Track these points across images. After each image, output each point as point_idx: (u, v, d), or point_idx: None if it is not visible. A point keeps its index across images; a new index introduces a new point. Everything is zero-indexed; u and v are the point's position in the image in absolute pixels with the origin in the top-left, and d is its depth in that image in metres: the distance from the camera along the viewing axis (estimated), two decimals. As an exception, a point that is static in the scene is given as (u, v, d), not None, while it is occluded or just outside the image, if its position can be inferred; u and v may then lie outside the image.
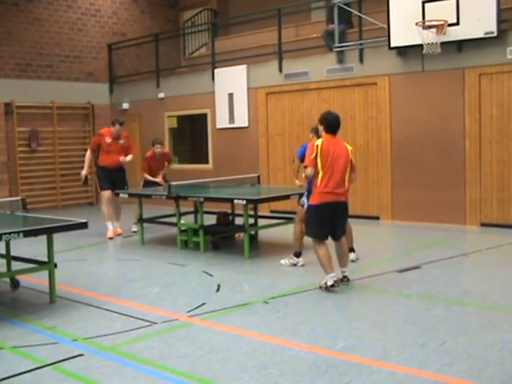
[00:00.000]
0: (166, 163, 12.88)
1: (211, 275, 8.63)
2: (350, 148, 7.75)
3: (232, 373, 5.08)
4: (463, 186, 12.07)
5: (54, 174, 17.25)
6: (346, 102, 13.58)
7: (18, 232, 6.71)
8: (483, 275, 8.39)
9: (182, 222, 11.08)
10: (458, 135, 12.09)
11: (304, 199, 8.62)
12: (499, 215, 11.78)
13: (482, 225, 11.92)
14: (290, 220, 10.37)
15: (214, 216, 11.43)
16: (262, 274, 8.36)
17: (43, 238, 7.33)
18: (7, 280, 8.18)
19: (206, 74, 16.08)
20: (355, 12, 13.29)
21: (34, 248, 9.19)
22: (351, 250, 9.11)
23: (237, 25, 18.21)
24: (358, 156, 13.40)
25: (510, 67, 11.42)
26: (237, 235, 11.38)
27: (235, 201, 9.82)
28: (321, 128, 7.76)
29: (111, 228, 11.97)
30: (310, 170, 7.45)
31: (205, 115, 16.29)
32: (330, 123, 7.63)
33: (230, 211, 11.38)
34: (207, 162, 16.38)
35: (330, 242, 7.76)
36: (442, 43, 11.52)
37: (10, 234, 6.63)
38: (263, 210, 12.65)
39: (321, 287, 7.57)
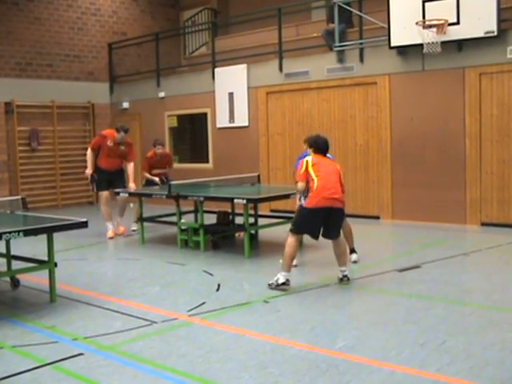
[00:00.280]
0: (167, 166, 12.83)
1: (211, 274, 8.63)
2: (339, 168, 7.85)
3: (232, 372, 5.08)
4: (463, 185, 12.06)
5: (54, 173, 17.25)
6: (346, 102, 13.58)
7: (19, 231, 6.70)
8: (483, 275, 8.39)
9: (182, 221, 11.08)
10: (458, 135, 12.08)
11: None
12: (499, 215, 11.78)
13: (483, 224, 11.92)
14: (290, 219, 10.33)
15: (214, 215, 11.42)
16: (262, 274, 8.36)
17: (43, 237, 7.32)
18: (7, 279, 8.18)
19: (207, 73, 16.08)
20: (355, 11, 13.28)
21: (34, 247, 9.20)
22: (352, 250, 9.12)
23: (237, 24, 18.21)
24: (359, 156, 13.44)
25: (511, 66, 11.41)
26: (237, 234, 11.38)
27: (235, 200, 9.82)
28: (309, 150, 7.94)
29: (111, 228, 11.96)
30: (300, 185, 7.64)
31: (205, 114, 16.28)
32: (320, 147, 7.90)
33: (230, 210, 11.37)
34: (207, 162, 16.37)
35: (327, 243, 7.77)
36: (443, 42, 11.52)
37: (10, 233, 6.63)
38: (263, 209, 12.64)
39: (270, 285, 7.62)
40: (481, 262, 9.20)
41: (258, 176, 12.15)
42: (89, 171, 11.95)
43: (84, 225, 7.43)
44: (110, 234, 11.91)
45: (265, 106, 14.92)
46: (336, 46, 13.31)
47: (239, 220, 10.89)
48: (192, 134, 18.14)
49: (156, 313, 6.83)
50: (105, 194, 12.01)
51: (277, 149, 14.81)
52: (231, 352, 5.56)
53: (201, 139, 16.86)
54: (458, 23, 11.42)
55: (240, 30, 17.42)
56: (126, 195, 11.61)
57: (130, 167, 12.03)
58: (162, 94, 17.17)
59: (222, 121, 15.77)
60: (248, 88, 15.17)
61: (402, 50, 12.51)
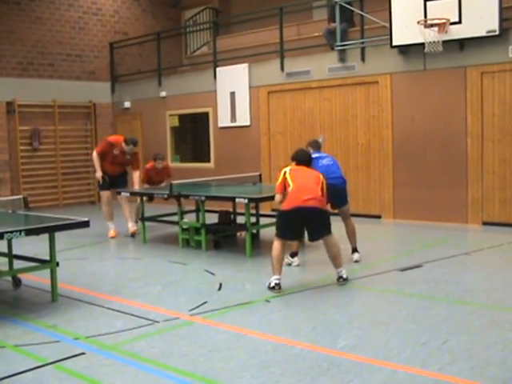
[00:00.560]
0: (166, 178, 12.77)
1: (213, 274, 8.63)
2: (322, 177, 7.80)
3: (233, 371, 5.08)
4: (465, 184, 12.06)
5: (56, 172, 17.25)
6: (348, 101, 13.58)
7: (20, 231, 6.71)
8: (485, 274, 8.38)
9: (184, 220, 11.08)
10: (459, 134, 12.07)
11: None
12: (501, 214, 11.77)
13: (484, 223, 11.91)
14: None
15: (216, 215, 11.42)
16: (263, 273, 8.35)
17: (45, 236, 7.34)
18: (9, 278, 8.18)
19: (208, 72, 16.08)
20: (357, 10, 13.28)
21: (36, 246, 9.20)
22: (355, 250, 9.15)
23: (238, 23, 18.22)
24: (360, 155, 13.44)
25: (512, 66, 11.42)
26: (238, 234, 11.38)
27: (237, 199, 9.82)
28: (293, 163, 8.02)
29: (112, 227, 11.95)
30: (277, 197, 7.75)
31: (206, 114, 16.28)
32: (300, 158, 8.03)
33: (231, 210, 11.37)
34: (209, 161, 16.38)
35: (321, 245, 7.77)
36: (444, 42, 11.50)
37: (11, 232, 6.63)
38: (265, 208, 12.63)
39: (268, 286, 7.64)
40: (482, 262, 9.20)
41: (260, 175, 12.14)
42: (99, 174, 11.84)
43: (85, 224, 7.43)
44: (111, 233, 11.91)
45: (266, 105, 14.92)
46: (337, 46, 13.30)
47: (241, 219, 10.89)
48: (193, 134, 18.16)
49: (158, 312, 6.83)
50: (106, 193, 12.00)
51: (278, 148, 14.81)
52: (233, 351, 5.57)
53: (202, 139, 16.86)
54: (459, 22, 11.41)
55: (241, 30, 17.42)
56: (127, 195, 11.60)
57: (136, 175, 12.04)
58: (163, 94, 17.17)
59: (224, 120, 15.77)
60: (249, 87, 15.17)
61: (404, 50, 12.50)
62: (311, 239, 8.00)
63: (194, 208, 11.58)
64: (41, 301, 7.53)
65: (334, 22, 13.40)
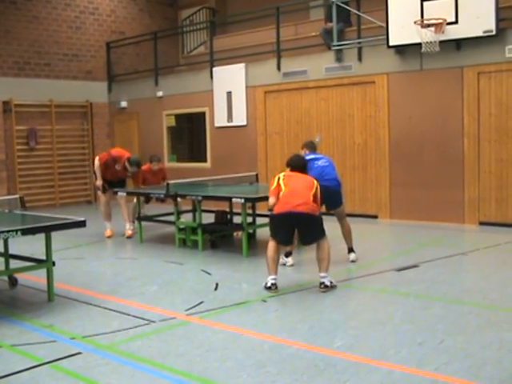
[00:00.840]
0: (162, 180, 12.75)
1: (209, 274, 8.63)
2: (315, 182, 7.76)
3: (230, 371, 5.08)
4: (462, 184, 12.07)
5: (53, 172, 17.24)
6: (345, 101, 13.58)
7: (16, 230, 6.70)
8: (482, 274, 8.39)
9: (181, 220, 11.07)
10: (456, 134, 12.08)
11: None
12: (498, 214, 11.78)
13: (481, 223, 11.92)
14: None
15: (213, 214, 11.41)
16: (260, 273, 8.34)
17: (41, 236, 7.33)
18: (5, 278, 8.17)
19: (205, 72, 16.07)
20: (354, 10, 13.28)
21: (32, 246, 9.19)
22: (351, 250, 9.15)
23: (235, 23, 18.19)
24: (357, 155, 13.44)
25: (509, 66, 11.41)
26: (235, 234, 11.38)
27: (233, 199, 9.82)
28: (287, 169, 8.07)
29: (109, 227, 11.95)
30: (271, 200, 7.76)
31: (203, 114, 16.27)
32: (294, 164, 8.07)
33: (228, 210, 11.37)
34: (205, 161, 16.37)
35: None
36: (441, 42, 11.51)
37: (8, 232, 6.63)
38: (261, 208, 12.62)
39: (264, 286, 7.64)
40: (479, 262, 9.21)
41: (256, 175, 12.14)
42: (99, 182, 11.84)
43: (82, 224, 7.43)
44: (108, 233, 11.91)
45: (263, 105, 14.91)
46: (334, 45, 13.30)
47: (237, 219, 10.88)
48: (190, 134, 18.14)
49: (154, 312, 6.83)
50: (105, 193, 11.98)
51: (275, 148, 14.81)
52: (229, 351, 5.56)
53: (199, 138, 16.86)
54: (456, 22, 11.42)
55: (238, 29, 17.40)
56: (124, 194, 11.60)
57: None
58: (160, 93, 17.15)
59: (220, 120, 15.76)
60: (246, 87, 15.17)
61: (401, 50, 12.51)
62: (303, 243, 8.05)
63: (190, 208, 11.57)
64: (37, 300, 7.52)
65: (331, 21, 13.39)
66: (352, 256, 9.09)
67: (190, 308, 6.93)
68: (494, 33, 11.19)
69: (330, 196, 8.56)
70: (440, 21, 11.41)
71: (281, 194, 7.62)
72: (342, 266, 8.75)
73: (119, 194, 11.61)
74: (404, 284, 7.87)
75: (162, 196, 10.94)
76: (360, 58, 13.19)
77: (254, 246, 10.60)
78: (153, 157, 12.87)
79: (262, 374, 4.99)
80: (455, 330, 6.02)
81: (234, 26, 18.30)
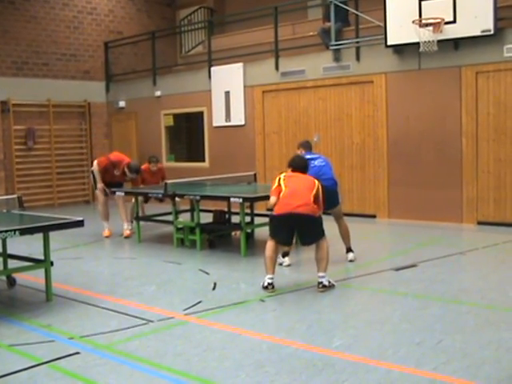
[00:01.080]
0: (160, 180, 12.73)
1: (207, 273, 8.63)
2: (317, 183, 7.74)
3: (228, 371, 5.08)
4: (460, 184, 12.07)
5: (51, 172, 17.22)
6: (343, 100, 13.58)
7: (15, 230, 6.69)
8: (480, 273, 8.40)
9: (179, 219, 11.07)
10: (454, 133, 12.09)
11: None
12: (496, 213, 11.79)
13: (479, 223, 11.93)
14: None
15: (211, 214, 11.41)
16: (258, 273, 8.34)
17: (39, 236, 7.32)
18: (3, 278, 8.17)
19: (203, 72, 16.07)
20: (352, 10, 13.27)
21: (31, 246, 9.19)
22: (349, 250, 9.15)
23: (233, 23, 18.21)
24: (355, 154, 13.45)
25: (507, 65, 11.42)
26: (233, 233, 11.37)
27: (232, 199, 9.80)
28: (289, 169, 8.01)
29: (107, 227, 11.94)
30: (272, 199, 7.72)
31: (201, 113, 16.27)
32: (296, 165, 8.00)
33: (226, 209, 11.36)
34: (203, 160, 16.36)
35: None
36: (439, 41, 11.51)
37: (6, 232, 6.62)
38: (260, 208, 12.62)
39: (261, 286, 7.64)
40: (477, 261, 9.22)
41: (255, 175, 12.14)
42: (100, 185, 11.83)
43: (80, 224, 7.42)
44: (106, 232, 11.90)
45: (261, 104, 14.91)
46: (332, 45, 13.30)
47: (235, 219, 10.88)
48: (188, 133, 18.14)
49: (152, 312, 6.82)
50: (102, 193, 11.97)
51: (273, 147, 14.81)
52: (227, 351, 5.56)
53: (197, 138, 16.85)
54: (454, 22, 11.43)
55: (236, 29, 17.41)
56: (122, 194, 11.59)
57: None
58: (158, 93, 17.15)
59: (219, 120, 15.76)
60: (244, 87, 15.16)
61: (399, 49, 12.51)
62: (303, 244, 8.03)
63: (188, 207, 11.56)
64: (35, 300, 7.51)
65: (329, 21, 13.40)
66: (350, 256, 9.10)
67: (188, 308, 6.92)
68: (492, 32, 11.20)
69: (327, 196, 8.54)
70: (438, 20, 11.42)
71: (281, 194, 7.61)
72: (341, 266, 8.75)
73: (117, 193, 11.60)
74: (402, 284, 7.88)
75: (161, 196, 10.93)
76: (358, 58, 13.19)
77: (252, 245, 10.60)
78: (151, 157, 12.88)
79: (261, 374, 4.99)
80: (453, 329, 6.02)
81: (232, 25, 18.32)
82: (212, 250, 10.38)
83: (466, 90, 11.89)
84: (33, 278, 8.14)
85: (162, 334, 6.11)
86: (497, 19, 11.19)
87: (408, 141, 12.69)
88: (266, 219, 11.14)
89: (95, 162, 12.14)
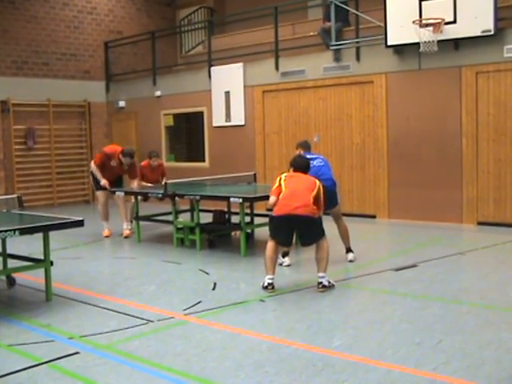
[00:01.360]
0: (160, 177, 12.70)
1: (207, 273, 8.62)
2: (318, 183, 7.72)
3: (228, 371, 5.07)
4: (460, 184, 12.07)
5: (51, 171, 17.23)
6: (343, 101, 13.58)
7: (14, 230, 6.69)
8: (480, 274, 8.39)
9: (179, 219, 11.06)
10: (454, 134, 12.08)
11: None
12: (496, 214, 11.78)
13: (479, 223, 11.92)
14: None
15: (211, 214, 11.40)
16: (258, 273, 8.34)
17: (39, 235, 7.32)
18: (3, 278, 8.16)
19: (203, 72, 16.07)
20: (352, 10, 13.27)
21: (30, 246, 9.19)
22: (349, 250, 9.15)
23: (233, 23, 18.21)
24: (355, 154, 13.44)
25: (507, 66, 11.42)
26: (233, 233, 11.37)
27: (231, 199, 9.80)
28: (291, 169, 8.00)
29: (107, 226, 11.93)
30: (272, 199, 7.71)
31: (201, 113, 16.27)
32: (297, 165, 7.97)
33: (226, 209, 11.36)
34: (203, 160, 16.36)
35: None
36: (439, 41, 11.51)
37: (6, 231, 6.61)
38: (259, 208, 12.62)
39: (261, 286, 7.63)
40: (477, 261, 9.22)
41: (254, 175, 12.13)
42: (104, 181, 11.73)
43: (80, 224, 7.42)
44: (105, 232, 11.89)
45: (261, 104, 14.91)
46: (332, 45, 13.30)
47: (235, 219, 10.88)
48: (188, 133, 18.14)
49: (152, 312, 6.82)
50: (102, 193, 11.93)
51: (273, 148, 14.81)
52: (227, 351, 5.56)
53: (197, 138, 16.85)
54: (454, 22, 11.42)
55: (236, 29, 17.41)
56: (122, 194, 11.58)
57: (133, 184, 11.97)
58: (158, 93, 17.15)
59: (219, 119, 15.76)
60: (244, 87, 15.16)
61: (399, 49, 12.50)
62: (302, 244, 8.02)
63: (188, 207, 11.57)
64: (35, 300, 7.51)
65: (329, 21, 13.39)
66: (350, 256, 9.09)
67: (188, 308, 6.92)
68: (492, 32, 11.19)
69: (326, 196, 8.54)
70: (438, 20, 11.41)
71: (281, 195, 7.60)
72: (340, 266, 8.75)
73: (117, 193, 11.60)
74: (402, 284, 7.87)
75: (160, 196, 10.91)
76: (358, 58, 13.19)
77: (252, 245, 10.60)
78: (152, 152, 12.75)
79: (260, 374, 4.99)
80: (453, 329, 6.01)
81: (232, 25, 18.32)
82: (212, 249, 10.38)
83: (466, 90, 11.89)
84: (33, 278, 8.14)
85: (161, 333, 6.11)
86: (497, 19, 11.18)
87: (408, 141, 12.69)
88: (266, 219, 11.17)
89: (91, 162, 12.16)
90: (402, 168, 12.80)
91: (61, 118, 17.47)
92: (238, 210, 10.10)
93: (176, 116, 17.20)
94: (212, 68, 15.77)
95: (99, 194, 12.01)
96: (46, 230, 7.23)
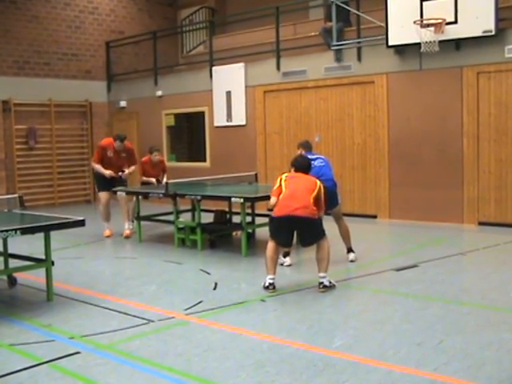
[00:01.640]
0: (161, 172, 12.71)
1: (208, 273, 8.63)
2: (319, 184, 7.72)
3: (229, 371, 5.08)
4: (461, 184, 12.06)
5: (52, 171, 17.23)
6: (344, 101, 13.58)
7: (16, 230, 6.69)
8: (481, 274, 8.39)
9: (180, 219, 11.06)
10: (455, 134, 12.08)
11: None
12: (497, 214, 11.78)
13: (480, 223, 11.92)
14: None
15: (212, 214, 11.40)
16: (258, 273, 8.33)
17: (40, 235, 7.32)
18: (4, 277, 8.17)
19: (204, 71, 16.07)
20: (353, 10, 13.27)
21: (31, 245, 9.18)
22: (350, 250, 9.15)
23: (235, 23, 18.20)
24: (356, 154, 13.44)
25: (508, 66, 11.41)
26: (234, 233, 11.38)
27: (233, 199, 9.80)
28: (292, 169, 8.01)
29: (108, 227, 11.93)
30: (272, 199, 7.75)
31: (202, 113, 16.27)
32: (298, 165, 7.98)
33: (227, 209, 11.36)
34: (205, 160, 16.36)
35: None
36: (440, 42, 11.51)
37: (7, 231, 6.62)
38: (261, 208, 12.62)
39: (262, 286, 7.63)
40: (478, 262, 9.21)
41: (256, 175, 12.14)
42: (108, 172, 11.68)
43: (81, 223, 7.42)
44: (106, 232, 11.89)
45: (262, 104, 14.91)
46: (334, 45, 13.30)
47: (236, 219, 10.88)
48: (189, 133, 18.13)
49: (153, 311, 6.82)
50: (104, 194, 11.92)
51: (274, 148, 14.81)
52: (228, 351, 5.56)
53: (198, 138, 16.85)
54: (455, 22, 11.42)
55: (237, 29, 17.40)
56: (123, 194, 11.58)
57: (132, 168, 11.98)
58: (159, 93, 17.15)
59: (220, 119, 15.76)
60: (245, 87, 15.16)
61: (400, 49, 12.50)
62: (302, 245, 8.02)
63: (189, 207, 11.56)
64: (36, 300, 7.52)
65: (331, 21, 13.39)
66: (351, 256, 9.09)
67: (189, 308, 6.92)
68: (493, 33, 11.19)
69: (327, 196, 8.54)
70: (439, 21, 11.41)
71: (281, 195, 7.61)
72: (341, 266, 8.75)
73: (119, 193, 11.60)
74: (403, 284, 7.87)
75: (161, 196, 10.91)
76: (359, 58, 13.19)
77: (253, 245, 10.60)
78: (152, 147, 12.70)
79: (261, 374, 4.99)
80: (454, 330, 6.01)
81: (233, 25, 18.31)
82: (213, 249, 10.38)
83: (467, 90, 11.88)
84: (34, 278, 8.14)
85: (162, 333, 6.11)
86: (498, 20, 11.18)
87: (409, 141, 12.68)
88: (267, 219, 11.19)
89: (92, 162, 12.19)
90: (403, 168, 12.80)
91: (62, 118, 17.47)
92: (239, 210, 10.10)
93: (177, 116, 17.21)
94: (213, 68, 15.77)
95: (102, 194, 11.99)
96: (47, 229, 7.24)
